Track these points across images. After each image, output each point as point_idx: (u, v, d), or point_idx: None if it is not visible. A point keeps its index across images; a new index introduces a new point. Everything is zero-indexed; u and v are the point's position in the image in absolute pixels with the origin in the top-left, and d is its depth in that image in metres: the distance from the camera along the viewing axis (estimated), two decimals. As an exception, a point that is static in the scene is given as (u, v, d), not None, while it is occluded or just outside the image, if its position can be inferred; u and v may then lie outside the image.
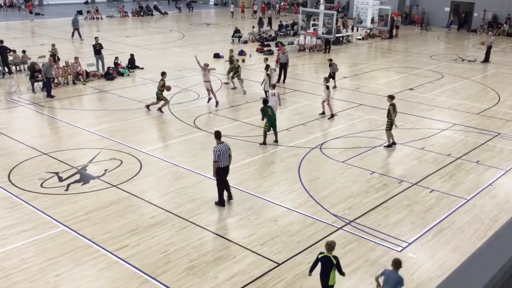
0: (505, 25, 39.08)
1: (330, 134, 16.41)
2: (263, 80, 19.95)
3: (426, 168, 13.67)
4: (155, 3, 50.21)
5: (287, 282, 8.78)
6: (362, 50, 33.41)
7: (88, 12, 44.51)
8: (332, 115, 17.86)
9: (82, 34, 33.60)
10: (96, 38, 24.63)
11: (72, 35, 33.30)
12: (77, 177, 12.86)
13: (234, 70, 21.22)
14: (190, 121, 17.35)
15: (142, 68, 25.12)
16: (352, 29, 36.99)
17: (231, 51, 22.41)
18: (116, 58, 24.69)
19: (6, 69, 23.61)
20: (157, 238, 10.09)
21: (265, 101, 15.45)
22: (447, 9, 42.55)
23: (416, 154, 14.72)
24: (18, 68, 24.51)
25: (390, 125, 14.83)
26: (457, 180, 12.98)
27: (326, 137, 16.18)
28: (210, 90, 18.98)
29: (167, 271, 9.02)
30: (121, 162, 13.79)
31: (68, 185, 12.39)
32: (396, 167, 13.83)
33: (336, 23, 31.74)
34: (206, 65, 19.06)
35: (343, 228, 10.56)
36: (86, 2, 52.62)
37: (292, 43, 32.38)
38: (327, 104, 17.81)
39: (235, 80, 21.44)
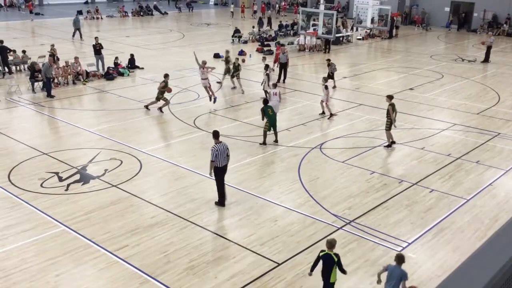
0: (505, 25, 39.09)
1: (330, 134, 16.41)
2: (263, 81, 19.97)
3: (426, 168, 13.67)
4: (155, 3, 50.20)
5: (287, 282, 8.78)
6: (362, 50, 33.41)
7: (88, 12, 44.50)
8: (332, 115, 17.86)
9: (82, 34, 33.58)
10: (96, 38, 24.63)
11: (73, 35, 33.30)
12: (77, 177, 12.86)
13: (234, 69, 21.22)
14: (190, 121, 17.35)
15: (142, 68, 25.12)
16: (352, 29, 37.00)
17: (227, 51, 22.45)
18: (116, 58, 24.69)
19: (6, 69, 23.61)
20: (157, 238, 10.09)
21: (265, 101, 15.46)
22: (447, 9, 42.56)
23: (416, 154, 14.72)
24: (18, 68, 24.50)
25: (389, 125, 14.84)
26: (457, 180, 12.98)
27: (326, 137, 16.19)
28: (208, 88, 19.04)
29: (167, 271, 9.02)
30: (121, 162, 13.79)
31: (68, 185, 12.39)
32: (396, 167, 13.83)
33: (336, 23, 31.75)
34: (204, 62, 19.12)
35: (343, 228, 10.56)
36: (86, 2, 52.62)
37: (292, 43, 32.39)
38: (325, 104, 17.83)
39: (235, 79, 21.44)
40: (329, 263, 7.79)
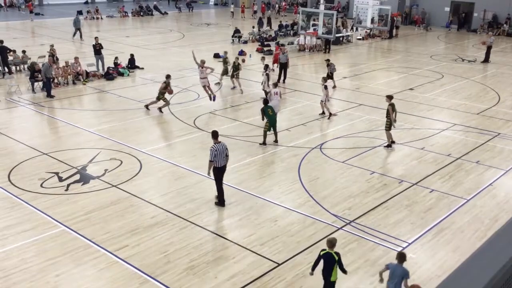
0: (505, 25, 39.09)
1: (330, 134, 16.41)
2: (263, 81, 19.98)
3: (426, 168, 13.67)
4: (155, 3, 50.21)
5: (287, 282, 8.78)
6: (362, 50, 33.42)
7: (88, 12, 44.51)
8: (331, 114, 17.88)
9: (82, 34, 33.58)
10: (96, 38, 24.63)
11: (74, 35, 33.30)
12: (77, 177, 12.86)
13: (234, 69, 21.23)
14: (190, 121, 17.36)
15: (142, 68, 25.12)
16: (352, 29, 37.01)
17: (225, 52, 22.50)
18: (116, 58, 24.68)
19: (6, 69, 23.61)
20: (157, 238, 10.09)
21: (266, 101, 15.46)
22: (447, 9, 42.56)
23: (416, 154, 14.72)
24: (18, 68, 24.51)
25: (389, 125, 14.84)
26: (457, 180, 12.98)
27: (326, 137, 16.19)
28: (207, 87, 19.10)
29: (167, 271, 9.02)
30: (121, 162, 13.79)
31: (68, 185, 12.39)
32: (396, 167, 13.83)
33: (336, 23, 31.75)
34: (203, 62, 19.15)
35: (343, 228, 10.56)
36: (86, 2, 52.62)
37: (292, 43, 32.39)
38: (324, 104, 17.85)
39: (234, 79, 21.44)
40: (330, 262, 7.82)
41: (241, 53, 29.24)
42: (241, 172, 13.28)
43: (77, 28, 33.23)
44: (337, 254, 7.86)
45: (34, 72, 20.88)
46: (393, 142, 15.16)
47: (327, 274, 7.88)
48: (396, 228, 10.59)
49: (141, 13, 47.56)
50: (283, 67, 22.96)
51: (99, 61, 24.20)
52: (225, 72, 21.91)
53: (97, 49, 23.96)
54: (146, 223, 10.66)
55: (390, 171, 13.61)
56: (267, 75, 19.93)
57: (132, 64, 25.01)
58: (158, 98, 18.03)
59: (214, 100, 19.02)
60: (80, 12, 39.58)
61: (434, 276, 9.01)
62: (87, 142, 15.32)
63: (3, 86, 21.62)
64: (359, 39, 36.48)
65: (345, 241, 9.98)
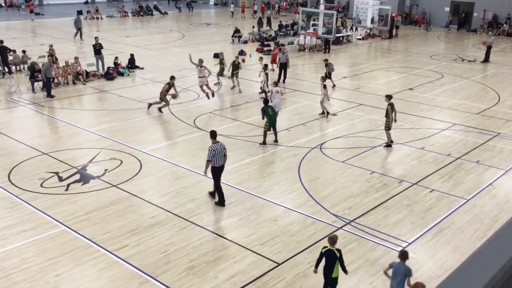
0: (505, 25, 39.08)
1: (330, 134, 16.41)
2: (262, 80, 20.00)
3: (426, 168, 13.67)
4: (155, 3, 50.20)
5: (287, 282, 8.78)
6: (362, 50, 33.42)
7: (88, 12, 44.50)
8: (328, 114, 17.91)
9: (82, 34, 33.59)
10: (96, 38, 24.63)
11: (75, 35, 33.31)
12: (77, 177, 12.86)
13: (234, 68, 21.26)
14: (190, 121, 17.36)
15: (142, 68, 25.12)
16: (352, 28, 37.00)
17: (222, 53, 22.61)
18: (116, 58, 24.68)
19: (6, 69, 23.61)
20: (157, 238, 10.10)
21: (266, 101, 15.47)
22: (447, 9, 42.55)
23: (416, 154, 14.72)
24: (18, 68, 24.51)
25: (389, 124, 14.85)
26: (457, 180, 12.98)
27: (326, 137, 16.19)
28: (206, 86, 19.27)
29: (167, 271, 9.02)
30: (121, 162, 13.79)
31: (68, 185, 12.39)
32: (396, 167, 13.83)
33: (336, 23, 31.75)
34: (201, 61, 19.24)
35: (343, 228, 10.56)
36: (86, 2, 52.61)
37: (292, 43, 32.39)
38: (321, 103, 17.88)
39: (234, 78, 21.47)
40: (332, 259, 7.88)
41: (241, 53, 29.25)
42: (241, 172, 13.29)
43: (78, 28, 33.24)
44: (339, 251, 7.93)
45: (34, 72, 20.88)
46: (391, 142, 15.17)
47: (329, 271, 7.94)
48: (396, 228, 10.59)
49: (141, 13, 47.56)
50: (283, 67, 22.96)
51: (99, 61, 24.20)
52: (221, 72, 22.01)
53: (97, 49, 23.97)
54: (146, 223, 10.66)
55: (390, 171, 13.61)
56: (266, 74, 19.96)
57: (132, 64, 25.01)
58: (161, 99, 18.01)
59: (213, 96, 19.25)
60: (80, 12, 39.56)
61: (434, 276, 9.01)
62: (87, 142, 15.32)
63: (3, 86, 21.62)
64: (359, 39, 36.48)
65: (345, 241, 9.98)
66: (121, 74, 23.85)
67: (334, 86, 21.91)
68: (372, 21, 35.49)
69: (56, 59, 23.10)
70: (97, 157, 14.16)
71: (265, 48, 31.10)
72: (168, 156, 14.30)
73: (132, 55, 25.32)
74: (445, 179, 13.06)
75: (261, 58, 21.35)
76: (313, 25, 30.98)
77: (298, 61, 28.35)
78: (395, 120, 15.01)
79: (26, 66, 23.94)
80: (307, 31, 31.12)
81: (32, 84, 20.81)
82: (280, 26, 37.25)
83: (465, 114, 18.69)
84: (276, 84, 17.92)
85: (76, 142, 15.35)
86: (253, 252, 9.66)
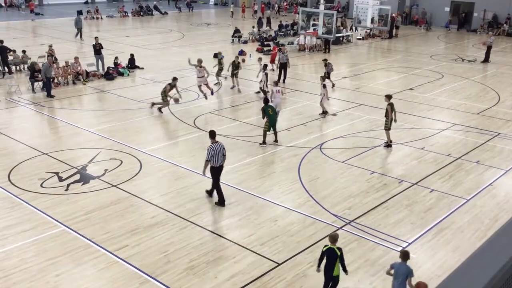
0: (505, 25, 39.08)
1: (330, 134, 16.41)
2: (261, 80, 20.02)
3: (426, 168, 13.67)
4: (155, 3, 50.20)
5: (287, 282, 8.78)
6: (362, 50, 33.41)
7: (88, 12, 44.50)
8: (325, 113, 17.94)
9: (82, 34, 33.60)
10: (96, 38, 24.64)
11: (76, 35, 33.33)
12: (77, 177, 12.86)
13: (234, 67, 21.27)
14: (190, 121, 17.36)
15: (142, 68, 25.12)
16: (351, 28, 36.99)
17: (220, 53, 22.65)
18: (116, 58, 24.68)
19: (6, 69, 23.61)
20: (157, 238, 10.10)
21: (266, 100, 15.47)
22: (447, 9, 42.54)
23: (416, 154, 14.72)
24: (18, 68, 24.51)
25: (388, 124, 14.86)
26: (457, 180, 12.98)
27: (326, 137, 16.18)
28: (206, 85, 19.43)
29: (167, 271, 9.02)
30: (121, 162, 13.79)
31: (68, 185, 12.39)
32: (396, 167, 13.83)
33: (336, 23, 31.75)
34: (200, 61, 19.31)
35: (343, 228, 10.56)
36: (86, 2, 52.62)
37: (292, 43, 32.39)
38: (320, 102, 17.91)
39: (234, 78, 21.49)
40: (333, 257, 7.91)
41: (241, 53, 29.25)
42: (241, 172, 13.29)
43: (79, 28, 33.27)
44: (340, 249, 7.97)
45: (34, 72, 20.88)
46: (390, 142, 15.18)
47: (330, 269, 7.97)
48: (396, 228, 10.59)
49: (141, 13, 47.56)
50: (283, 67, 22.97)
51: (99, 61, 24.20)
52: (219, 72, 22.06)
53: (97, 49, 23.97)
54: (146, 223, 10.66)
55: (390, 171, 13.61)
56: (266, 74, 19.98)
57: (132, 64, 25.01)
58: (163, 99, 18.00)
59: (212, 94, 19.53)
60: (80, 12, 39.58)
61: (434, 276, 9.01)
62: (87, 142, 15.32)
63: (3, 86, 21.62)
64: (359, 39, 36.48)
65: (345, 241, 9.98)
66: (121, 74, 23.86)
67: (333, 85, 21.93)
68: (372, 21, 35.49)
69: (56, 59, 23.11)
70: (97, 157, 14.16)
71: (265, 48, 31.10)
72: (168, 156, 14.30)
73: (132, 55, 25.32)
74: (445, 179, 13.06)
75: (260, 59, 21.38)
76: (313, 25, 30.98)
77: (298, 61, 28.35)
78: (395, 120, 15.02)
79: (26, 66, 23.94)
80: (307, 31, 31.13)
81: (32, 84, 20.81)
82: (280, 26, 37.25)
83: (465, 114, 18.69)
84: (276, 84, 17.97)
85: (76, 142, 15.35)
86: (253, 252, 9.66)
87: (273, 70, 24.65)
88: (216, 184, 11.42)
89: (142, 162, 13.80)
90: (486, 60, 28.44)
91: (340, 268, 8.05)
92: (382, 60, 29.56)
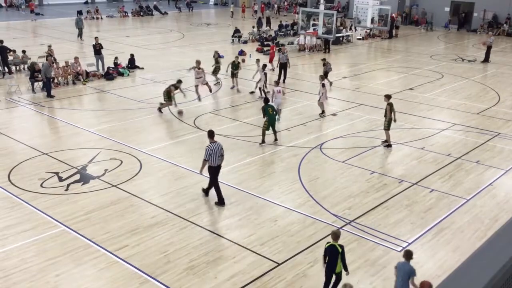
0: (505, 25, 39.08)
1: (330, 134, 16.41)
2: (260, 79, 20.04)
3: (426, 168, 13.67)
4: (155, 3, 50.20)
5: (287, 282, 8.78)
6: (362, 50, 33.41)
7: (88, 12, 44.50)
8: (323, 112, 17.96)
9: (83, 34, 33.61)
10: (96, 38, 24.63)
11: (78, 36, 33.36)
12: (77, 177, 12.86)
13: (234, 67, 21.28)
14: (190, 121, 17.36)
15: (142, 68, 25.12)
16: (351, 28, 36.99)
17: (216, 52, 22.67)
18: (116, 58, 24.68)
19: (6, 69, 23.61)
20: (157, 238, 10.10)
21: (266, 100, 15.49)
22: (447, 9, 42.54)
23: (416, 154, 14.72)
24: (18, 68, 24.51)
25: (388, 124, 14.86)
26: (457, 180, 12.98)
27: (326, 137, 16.18)
28: (206, 84, 19.69)
29: (167, 271, 9.02)
30: (121, 162, 13.79)
31: (68, 185, 12.39)
32: (396, 167, 13.83)
33: (336, 23, 31.75)
34: (198, 62, 19.41)
35: (343, 228, 10.55)
36: (86, 2, 52.62)
37: (292, 43, 32.39)
38: (320, 101, 17.93)
39: (234, 78, 21.51)
40: (334, 254, 7.95)
41: (241, 53, 29.25)
42: (241, 172, 13.28)
43: (79, 28, 33.31)
44: (341, 246, 8.01)
45: (34, 72, 20.88)
46: (385, 141, 15.20)
47: (332, 266, 8.01)
48: (396, 228, 10.59)
49: (141, 13, 47.56)
50: (283, 67, 22.96)
51: (99, 61, 24.20)
52: (217, 71, 22.08)
53: (97, 49, 23.96)
54: (146, 223, 10.66)
55: (390, 171, 13.61)
56: (265, 74, 20.01)
57: (132, 64, 25.01)
58: (170, 100, 17.96)
59: (210, 92, 20.07)
60: (80, 12, 39.58)
61: (434, 276, 9.01)
62: (87, 142, 15.32)
63: (3, 86, 21.61)
64: (359, 39, 36.47)
65: (345, 241, 9.96)
66: (121, 74, 23.85)
67: (330, 84, 21.95)
68: (372, 21, 35.48)
69: (55, 59, 23.11)
70: (97, 157, 14.16)
71: (265, 48, 31.09)
72: (168, 156, 14.30)
73: (132, 55, 25.32)
74: (445, 179, 13.06)
75: (257, 60, 21.38)
76: (313, 25, 30.98)
77: (298, 61, 28.34)
78: (395, 120, 15.01)
79: (26, 66, 23.94)
80: (307, 31, 31.12)
81: (32, 84, 20.81)
82: (280, 26, 37.25)
83: (465, 114, 18.68)
84: (277, 83, 18.03)
85: (76, 142, 15.35)
86: (253, 252, 9.66)
87: (272, 70, 24.65)
88: (215, 184, 11.43)
89: (142, 162, 13.80)
90: (486, 60, 28.44)
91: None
92: (382, 60, 29.56)
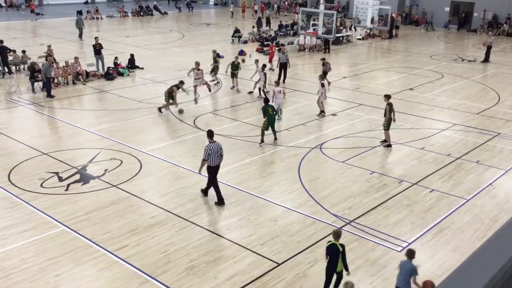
0: (505, 25, 39.08)
1: (330, 134, 16.41)
2: (259, 79, 20.05)
3: (426, 168, 13.67)
4: (155, 3, 50.19)
5: (287, 282, 8.78)
6: (362, 50, 33.41)
7: (88, 12, 44.50)
8: (321, 112, 17.96)
9: (83, 34, 33.62)
10: (96, 38, 24.63)
11: (79, 36, 33.36)
12: (77, 177, 12.86)
13: (234, 68, 21.28)
14: (190, 121, 17.36)
15: (142, 68, 25.12)
16: (351, 28, 36.99)
17: (214, 51, 22.64)
18: (116, 58, 24.67)
19: (6, 69, 23.61)
20: (157, 238, 10.10)
21: (266, 100, 15.50)
22: (447, 9, 42.54)
23: (416, 154, 14.72)
24: (18, 68, 24.50)
25: (387, 124, 14.87)
26: (457, 180, 12.98)
27: (326, 137, 16.18)
28: (205, 84, 19.74)
29: (167, 271, 9.02)
30: (121, 162, 13.79)
31: (68, 185, 12.39)
32: (396, 167, 13.83)
33: (336, 23, 31.75)
34: (197, 64, 19.40)
35: (343, 228, 10.54)
36: (86, 2, 52.61)
37: (292, 43, 32.39)
38: (320, 101, 17.93)
39: (234, 78, 21.51)
40: (335, 253, 7.97)
41: (241, 53, 29.24)
42: (241, 172, 13.28)
43: (80, 28, 33.31)
44: (342, 245, 8.03)
45: (34, 72, 20.88)
46: (384, 141, 15.20)
47: (333, 265, 8.03)
48: (396, 228, 10.59)
49: (141, 13, 47.56)
50: (283, 67, 22.96)
51: (99, 61, 24.20)
52: (214, 70, 22.09)
53: (97, 49, 23.96)
54: (146, 223, 10.66)
55: (390, 171, 13.61)
56: (265, 74, 20.02)
57: (132, 64, 25.01)
58: (173, 99, 17.96)
59: (210, 91, 20.12)
60: (80, 12, 39.58)
61: (434, 276, 9.00)
62: (87, 142, 15.31)
63: (3, 86, 21.61)
64: (359, 39, 36.47)
65: (345, 241, 9.95)
66: (121, 74, 23.85)
67: (329, 83, 21.97)
68: (372, 21, 35.48)
69: (54, 59, 23.10)
70: (97, 157, 14.16)
71: (265, 48, 31.08)
72: (168, 156, 14.30)
73: (132, 55, 25.32)
74: (445, 179, 13.06)
75: (256, 61, 21.39)
76: (313, 25, 30.98)
77: (298, 61, 28.34)
78: (394, 120, 15.01)
79: (26, 66, 23.94)
80: (307, 31, 31.12)
81: (32, 84, 20.81)
82: (280, 26, 37.25)
83: (465, 114, 18.68)
84: (277, 84, 18.05)
85: (76, 142, 15.35)
86: (253, 252, 9.66)
87: (272, 70, 24.65)
88: (213, 184, 11.44)
89: (142, 162, 13.80)
90: (486, 60, 28.44)
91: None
92: (382, 60, 29.56)
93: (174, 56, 28.52)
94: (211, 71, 22.16)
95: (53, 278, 8.79)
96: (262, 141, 15.10)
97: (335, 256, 7.97)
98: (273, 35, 34.89)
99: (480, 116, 18.44)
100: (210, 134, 11.41)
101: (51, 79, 20.64)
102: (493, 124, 17.49)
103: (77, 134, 16.00)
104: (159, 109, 18.17)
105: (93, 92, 21.21)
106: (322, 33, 30.73)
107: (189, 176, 12.95)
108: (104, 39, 29.24)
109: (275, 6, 51.68)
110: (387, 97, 14.93)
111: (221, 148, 11.42)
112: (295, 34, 35.43)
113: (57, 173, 13.03)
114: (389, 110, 14.70)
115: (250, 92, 20.71)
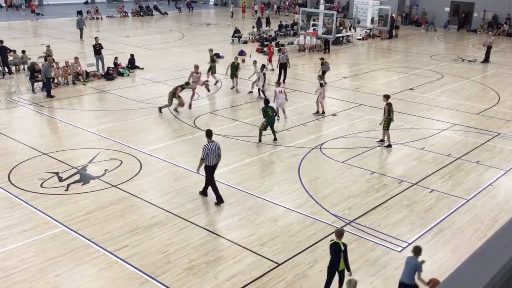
0: (505, 25, 39.08)
1: (330, 134, 16.41)
2: (258, 79, 20.05)
3: (426, 168, 13.67)
4: (155, 3, 50.19)
5: (287, 282, 8.78)
6: (362, 50, 33.41)
7: (88, 12, 44.49)
8: (319, 112, 17.97)
9: (83, 34, 33.63)
10: (96, 38, 24.63)
11: (80, 37, 33.36)
12: (77, 177, 12.86)
13: (234, 68, 21.28)
14: (190, 121, 17.36)
15: (142, 68, 25.11)
16: (350, 28, 37.00)
17: (211, 50, 22.60)
18: (116, 58, 24.67)
19: (6, 69, 23.61)
20: (157, 238, 10.10)
21: (266, 101, 15.51)
22: (447, 9, 42.54)
23: (416, 154, 14.72)
24: (18, 68, 24.50)
25: (387, 124, 14.87)
26: (457, 180, 12.98)
27: (326, 137, 16.18)
28: (206, 85, 19.89)
29: (167, 271, 9.02)
30: (121, 162, 13.79)
31: (68, 185, 12.39)
32: (396, 167, 13.83)
33: (336, 23, 31.75)
34: (197, 67, 19.41)
35: (343, 228, 10.55)
36: (86, 2, 52.61)
37: (292, 43, 32.39)
38: (320, 102, 17.94)
39: (234, 79, 21.51)
40: (337, 252, 8.00)
41: (241, 53, 29.24)
42: (241, 172, 13.28)
43: (80, 28, 33.31)
44: (344, 244, 8.06)
45: (34, 72, 20.88)
46: (382, 141, 15.22)
47: (335, 264, 8.05)
48: (396, 228, 10.59)
49: (141, 13, 47.56)
50: (283, 67, 22.97)
51: (99, 61, 24.20)
52: (210, 69, 22.15)
53: (97, 49, 23.96)
54: (146, 223, 10.66)
55: (390, 171, 13.61)
56: (264, 75, 20.02)
57: (132, 64, 25.01)
58: (178, 97, 17.96)
59: (208, 91, 20.21)
60: (80, 13, 39.58)
61: (434, 276, 8.99)
62: (87, 142, 15.31)
63: (3, 86, 21.61)
64: (359, 39, 36.47)
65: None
66: (121, 74, 23.85)
67: (325, 84, 21.97)
68: (372, 21, 35.48)
69: (53, 60, 23.08)
70: (97, 157, 14.16)
71: (265, 49, 31.07)
72: (168, 156, 14.30)
73: (132, 55, 25.32)
74: (445, 179, 13.06)
75: (255, 62, 21.38)
76: (313, 25, 30.98)
77: (298, 61, 28.34)
78: (392, 120, 15.01)
79: (26, 66, 23.93)
80: (307, 31, 31.12)
81: (32, 84, 20.81)
82: (280, 26, 37.25)
83: (465, 114, 18.69)
84: (278, 84, 18.08)
85: (76, 142, 15.35)
86: (253, 252, 9.66)
87: (272, 70, 24.65)
88: (211, 183, 11.46)
89: (142, 162, 13.80)
90: (486, 60, 28.44)
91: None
92: (382, 60, 29.56)
93: (174, 56, 28.52)
94: (208, 71, 22.13)
95: (53, 278, 8.79)
96: (260, 140, 15.11)
97: (337, 255, 8.01)
98: (273, 35, 34.89)
99: (480, 116, 18.44)
100: (209, 133, 11.44)
101: (51, 79, 20.64)
102: (493, 124, 17.50)
103: (77, 134, 16.00)
104: (160, 109, 18.16)
105: (93, 92, 21.21)
106: (322, 33, 30.73)
107: (189, 176, 12.95)
108: (104, 39, 29.24)
109: (275, 6, 51.66)
110: (386, 97, 14.95)
111: (219, 148, 11.43)
112: (295, 34, 35.43)
113: (57, 173, 13.03)
114: (388, 110, 14.71)
115: (250, 92, 20.72)
